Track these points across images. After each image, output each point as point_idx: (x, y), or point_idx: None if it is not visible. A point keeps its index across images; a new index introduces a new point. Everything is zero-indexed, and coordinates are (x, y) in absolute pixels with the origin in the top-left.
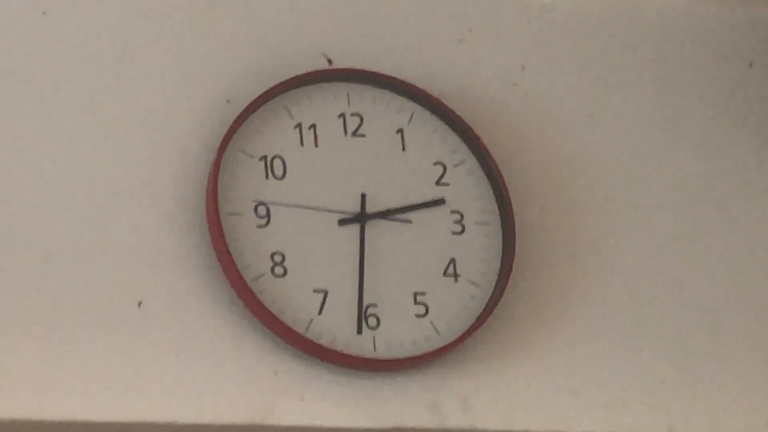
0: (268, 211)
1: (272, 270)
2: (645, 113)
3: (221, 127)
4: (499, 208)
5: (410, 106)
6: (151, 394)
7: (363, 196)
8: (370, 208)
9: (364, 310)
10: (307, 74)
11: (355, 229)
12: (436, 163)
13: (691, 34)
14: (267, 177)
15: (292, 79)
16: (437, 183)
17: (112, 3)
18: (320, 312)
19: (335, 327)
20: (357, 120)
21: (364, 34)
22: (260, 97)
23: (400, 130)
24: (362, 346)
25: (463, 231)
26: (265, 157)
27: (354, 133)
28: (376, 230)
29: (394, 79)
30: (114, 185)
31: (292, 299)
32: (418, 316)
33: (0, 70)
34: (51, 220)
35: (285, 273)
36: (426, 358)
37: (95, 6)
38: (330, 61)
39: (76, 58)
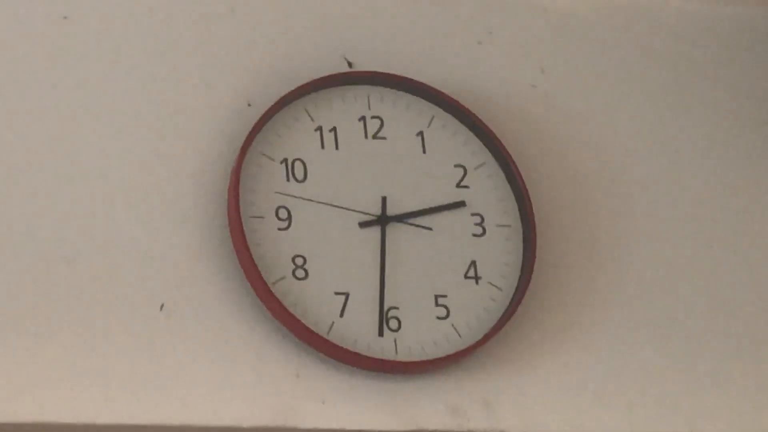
0: (289, 213)
1: (293, 273)
2: (663, 114)
3: (242, 130)
4: (519, 210)
5: (430, 108)
6: (173, 396)
7: (384, 199)
8: (391, 211)
9: (385, 312)
10: (328, 77)
11: (375, 231)
12: (456, 166)
13: (710, 36)
14: (288, 180)
15: (312, 82)
16: (458, 185)
17: (132, 7)
18: (342, 314)
19: (357, 329)
20: (377, 123)
21: (384, 37)
22: (281, 100)
23: (421, 133)
24: (384, 348)
25: (483, 233)
26: (286, 160)
27: (374, 136)
28: (396, 232)
29: (414, 81)
30: (136, 189)
31: (313, 302)
32: (439, 318)
33: (22, 73)
34: (74, 223)
35: (306, 276)
36: (447, 361)
37: (116, 10)
38: (350, 64)
39: (96, 62)
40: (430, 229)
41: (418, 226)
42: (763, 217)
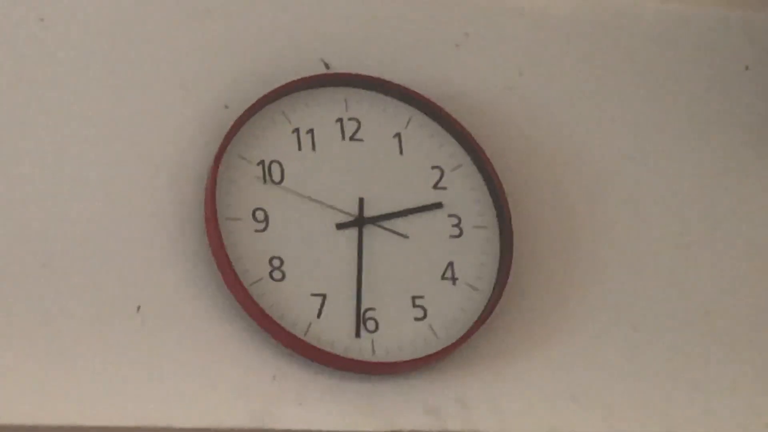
0: (266, 215)
1: (271, 274)
2: (642, 117)
3: (219, 133)
4: (496, 212)
5: (407, 110)
6: (150, 398)
7: (361, 201)
8: (368, 212)
9: (362, 313)
10: (305, 79)
11: (353, 233)
12: (433, 167)
13: (688, 38)
14: (265, 182)
15: (289, 84)
16: (435, 187)
17: (108, 9)
18: (319, 316)
19: (334, 331)
20: (354, 124)
21: (362, 39)
22: (258, 102)
23: (398, 135)
24: (361, 349)
25: (460, 234)
26: (263, 162)
27: (351, 138)
28: (374, 234)
29: (392, 83)
30: (112, 191)
31: (290, 303)
32: (416, 319)
33: None
34: (49, 226)
35: (283, 277)
36: (424, 362)
37: (92, 12)
38: (327, 66)
39: (73, 64)
40: (407, 237)
41: (394, 232)
42: (743, 219)
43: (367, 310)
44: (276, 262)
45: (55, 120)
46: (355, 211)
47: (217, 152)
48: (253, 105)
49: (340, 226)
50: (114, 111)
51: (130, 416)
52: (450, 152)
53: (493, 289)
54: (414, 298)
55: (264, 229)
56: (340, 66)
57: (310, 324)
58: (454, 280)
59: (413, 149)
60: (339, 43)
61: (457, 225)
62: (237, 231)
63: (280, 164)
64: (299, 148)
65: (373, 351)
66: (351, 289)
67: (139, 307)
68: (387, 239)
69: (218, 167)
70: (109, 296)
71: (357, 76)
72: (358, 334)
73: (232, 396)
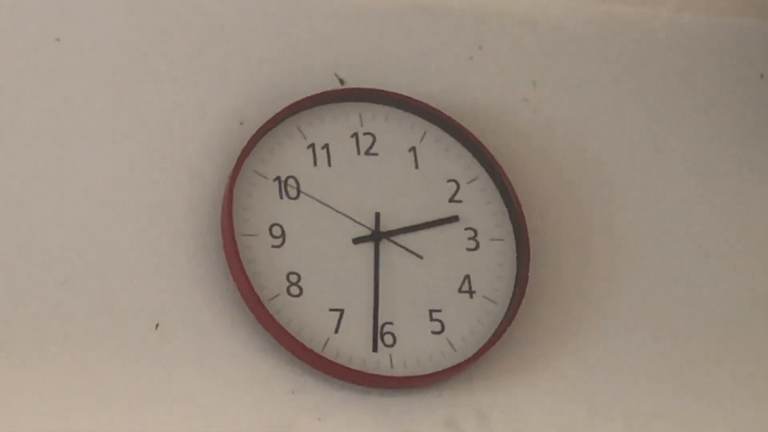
0: (282, 231)
1: (288, 290)
2: (656, 126)
3: (235, 149)
4: (512, 224)
5: (422, 124)
6: (169, 414)
7: (377, 215)
8: (385, 227)
9: (380, 328)
10: (320, 94)
11: (369, 247)
12: (449, 181)
13: (702, 47)
14: (281, 197)
15: (304, 99)
16: (451, 200)
17: (124, 28)
18: (336, 331)
19: (352, 345)
20: (370, 139)
21: (376, 53)
22: (273, 118)
23: (413, 149)
24: (379, 364)
25: (477, 247)
26: (278, 178)
27: (367, 152)
28: (390, 248)
29: (406, 97)
30: (129, 208)
31: (308, 318)
32: (434, 332)
33: (14, 95)
34: (67, 243)
35: (301, 292)
36: (443, 375)
37: (108, 31)
38: (342, 81)
39: (89, 84)
40: (421, 257)
41: (409, 251)
42: (758, 227)
43: (384, 324)
44: (293, 278)
45: (71, 139)
46: (371, 225)
47: (233, 169)
48: (269, 121)
49: (357, 241)
50: (130, 129)
51: None
52: (465, 165)
53: (511, 301)
54: (431, 311)
55: (281, 245)
56: (354, 81)
57: (327, 339)
58: (471, 293)
59: (428, 163)
60: (353, 58)
61: (474, 238)
62: (254, 247)
63: (296, 179)
64: (315, 164)
65: (391, 365)
66: (368, 303)
67: (157, 325)
68: (404, 253)
69: (234, 183)
70: (128, 314)
71: (371, 90)
72: (375, 349)
73: (252, 411)
